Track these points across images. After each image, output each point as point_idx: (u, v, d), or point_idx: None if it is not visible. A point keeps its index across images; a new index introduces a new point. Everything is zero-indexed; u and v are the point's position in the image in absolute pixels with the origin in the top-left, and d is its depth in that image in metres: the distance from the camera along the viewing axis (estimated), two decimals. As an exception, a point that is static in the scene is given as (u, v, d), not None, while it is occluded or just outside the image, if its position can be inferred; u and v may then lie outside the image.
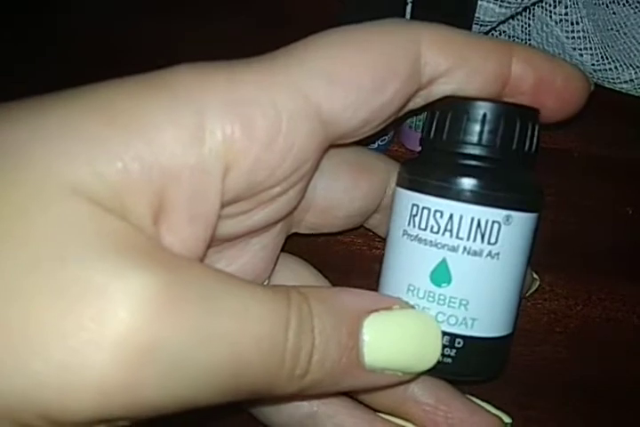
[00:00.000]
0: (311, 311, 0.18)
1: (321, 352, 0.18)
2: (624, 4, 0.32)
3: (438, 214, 0.21)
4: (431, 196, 0.21)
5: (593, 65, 0.32)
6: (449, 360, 0.21)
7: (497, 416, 0.24)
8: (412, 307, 0.21)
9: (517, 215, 0.21)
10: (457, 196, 0.20)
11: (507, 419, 0.24)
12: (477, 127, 0.21)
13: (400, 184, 0.23)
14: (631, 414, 0.29)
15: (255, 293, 0.17)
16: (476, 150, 0.21)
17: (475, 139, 0.21)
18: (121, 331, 0.14)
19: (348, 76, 0.19)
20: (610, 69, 0.32)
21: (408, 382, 0.22)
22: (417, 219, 0.21)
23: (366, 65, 0.19)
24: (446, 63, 0.20)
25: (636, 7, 0.32)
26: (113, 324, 0.14)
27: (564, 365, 0.30)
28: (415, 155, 0.32)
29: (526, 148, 0.21)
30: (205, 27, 0.35)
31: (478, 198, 0.20)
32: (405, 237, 0.22)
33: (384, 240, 0.34)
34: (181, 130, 0.16)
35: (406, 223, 0.21)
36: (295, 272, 0.26)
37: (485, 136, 0.21)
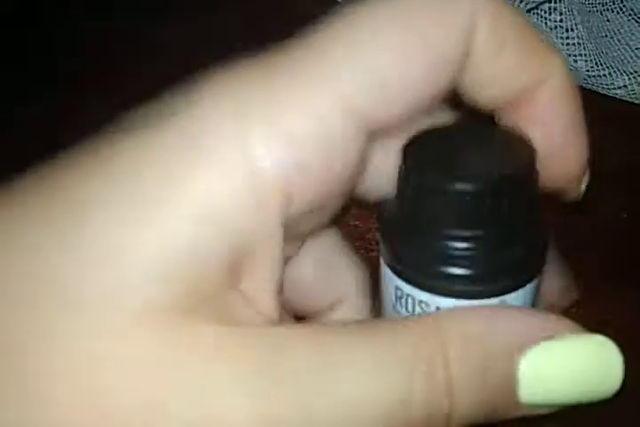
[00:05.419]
0: (448, 363, 0.15)
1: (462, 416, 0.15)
2: (618, 12, 0.33)
3: (424, 304, 0.19)
4: (415, 287, 0.18)
5: (587, 71, 0.33)
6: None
7: None
8: (584, 330, 0.16)
9: (512, 296, 0.18)
10: (445, 292, 0.18)
11: None
12: (472, 208, 0.17)
13: (382, 257, 0.20)
14: (629, 415, 0.29)
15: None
16: (469, 232, 0.17)
17: (470, 221, 0.17)
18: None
19: (398, 88, 0.16)
20: (604, 75, 0.32)
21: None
22: (402, 301, 0.19)
23: (418, 67, 0.16)
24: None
25: (630, 15, 0.33)
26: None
27: (561, 366, 0.30)
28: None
29: (527, 212, 0.17)
30: (204, 18, 0.35)
31: (469, 294, 0.18)
32: (395, 312, 0.20)
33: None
34: (238, 191, 0.15)
35: (394, 300, 0.20)
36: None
37: (483, 216, 0.17)
